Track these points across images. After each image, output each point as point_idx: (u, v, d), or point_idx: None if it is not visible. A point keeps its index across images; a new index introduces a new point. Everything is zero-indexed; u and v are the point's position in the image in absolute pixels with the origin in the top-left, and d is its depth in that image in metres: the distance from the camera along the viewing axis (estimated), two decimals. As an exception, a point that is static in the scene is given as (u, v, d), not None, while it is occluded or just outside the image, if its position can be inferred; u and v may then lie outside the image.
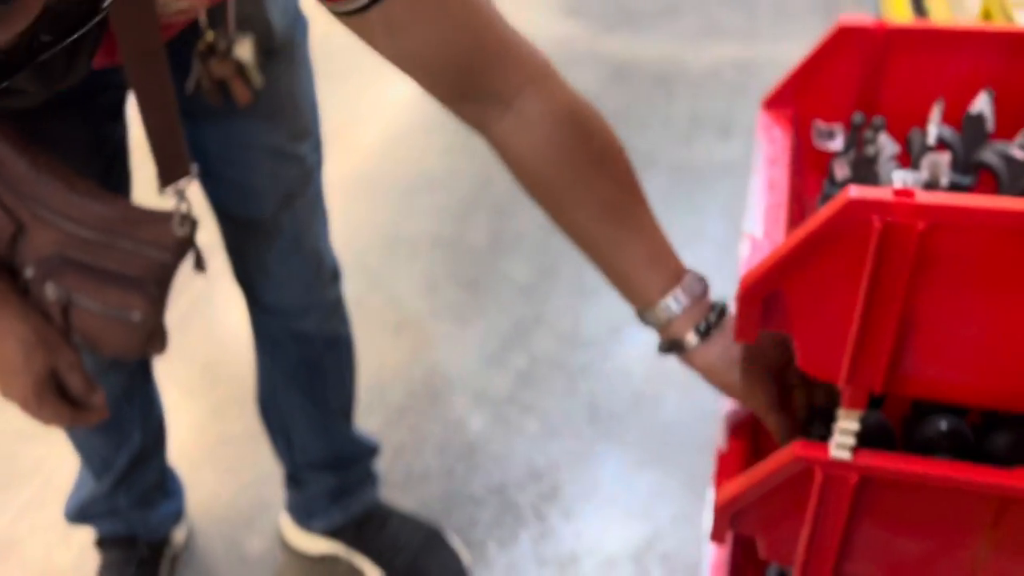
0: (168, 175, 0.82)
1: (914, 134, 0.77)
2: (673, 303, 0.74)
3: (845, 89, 0.81)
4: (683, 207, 2.29)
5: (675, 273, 0.75)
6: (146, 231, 0.84)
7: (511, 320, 1.93)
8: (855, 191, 0.55)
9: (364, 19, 0.67)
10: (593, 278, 2.07)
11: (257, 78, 0.92)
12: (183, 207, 0.84)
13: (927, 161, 0.70)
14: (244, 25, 0.92)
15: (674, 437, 1.66)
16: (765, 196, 0.72)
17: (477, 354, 1.85)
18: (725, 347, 0.74)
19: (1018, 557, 0.70)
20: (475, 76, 0.70)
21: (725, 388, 0.76)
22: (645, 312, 0.76)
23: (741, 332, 0.64)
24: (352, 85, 2.71)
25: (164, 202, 0.86)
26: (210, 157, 1.03)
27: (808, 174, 0.87)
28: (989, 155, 0.74)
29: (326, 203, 1.19)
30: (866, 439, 0.81)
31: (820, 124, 0.82)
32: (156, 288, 0.86)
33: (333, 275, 1.24)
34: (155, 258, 0.85)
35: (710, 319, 0.74)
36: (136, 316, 0.86)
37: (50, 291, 0.84)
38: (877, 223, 0.55)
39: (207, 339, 1.93)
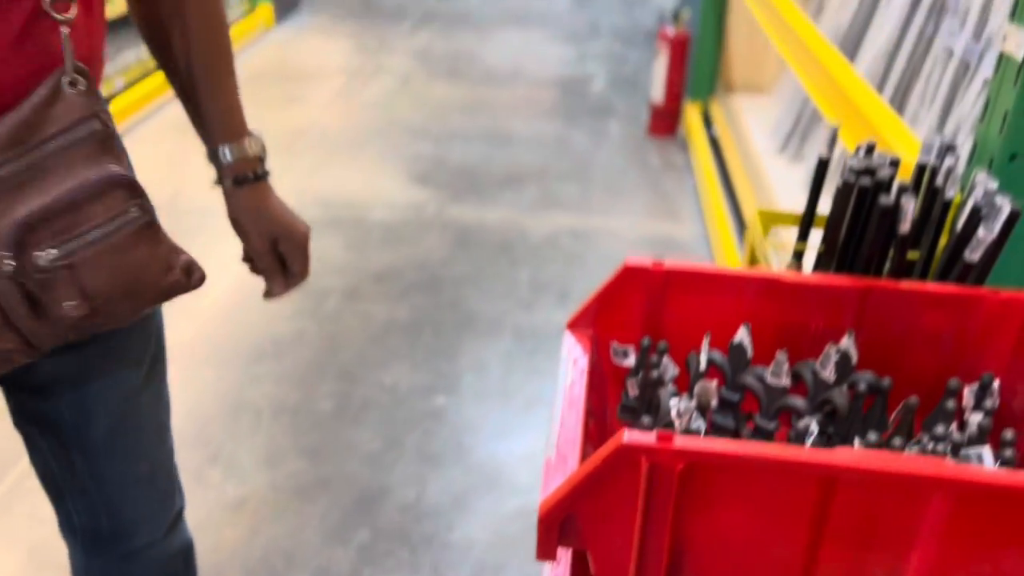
0: None
1: (691, 358, 0.90)
2: (235, 150, 0.96)
3: (635, 316, 0.94)
4: (525, 371, 2.41)
5: (242, 131, 0.98)
6: (56, 116, 0.75)
7: (355, 492, 1.95)
8: (626, 436, 0.65)
9: None
10: (439, 446, 2.13)
11: None
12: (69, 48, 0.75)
13: (698, 388, 0.83)
14: None
15: (514, 608, 1.69)
16: (564, 418, 0.82)
17: (319, 529, 1.85)
18: (251, 201, 0.99)
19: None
20: None
21: (236, 231, 1.02)
22: (213, 150, 0.98)
23: (542, 551, 0.72)
24: (198, 246, 2.69)
25: None
26: (65, 430, 0.96)
27: (610, 384, 0.98)
28: (750, 379, 0.87)
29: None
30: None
31: (616, 345, 0.94)
32: (115, 160, 0.79)
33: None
34: (89, 133, 0.76)
35: (254, 173, 0.98)
36: (134, 212, 0.80)
37: (43, 259, 0.74)
38: (645, 463, 0.65)
39: (32, 520, 1.83)
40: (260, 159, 1.00)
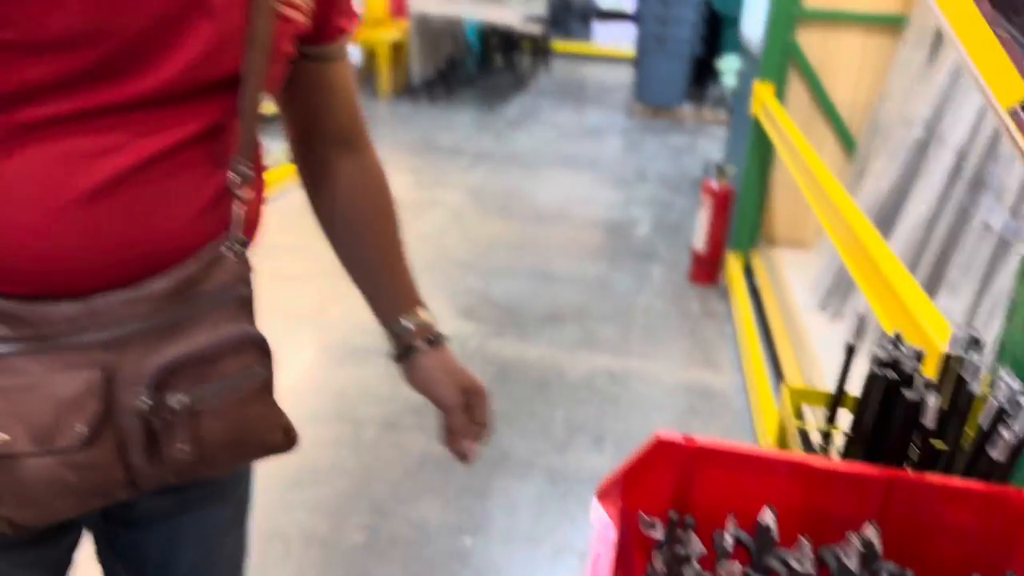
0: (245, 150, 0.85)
1: (717, 535, 0.92)
2: (414, 318, 1.06)
3: (663, 489, 0.96)
4: (555, 514, 2.39)
5: (418, 301, 1.08)
6: (214, 277, 0.82)
7: (377, 632, 1.93)
8: (647, 621, 0.67)
9: (327, 67, 0.94)
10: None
11: None
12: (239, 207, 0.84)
13: (723, 570, 0.85)
14: None
15: None
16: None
17: (339, 669, 1.82)
18: (439, 361, 1.07)
19: None
20: (357, 123, 1.02)
21: (429, 392, 1.08)
22: (394, 322, 1.06)
23: None
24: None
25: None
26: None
27: (637, 554, 1.00)
28: (774, 561, 0.89)
29: None
30: None
31: (644, 516, 0.96)
32: (252, 322, 0.85)
33: None
34: (236, 295, 0.84)
35: (436, 336, 1.07)
36: (260, 369, 0.85)
37: (174, 402, 0.80)
38: (664, 650, 0.67)
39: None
40: (434, 323, 1.09)
